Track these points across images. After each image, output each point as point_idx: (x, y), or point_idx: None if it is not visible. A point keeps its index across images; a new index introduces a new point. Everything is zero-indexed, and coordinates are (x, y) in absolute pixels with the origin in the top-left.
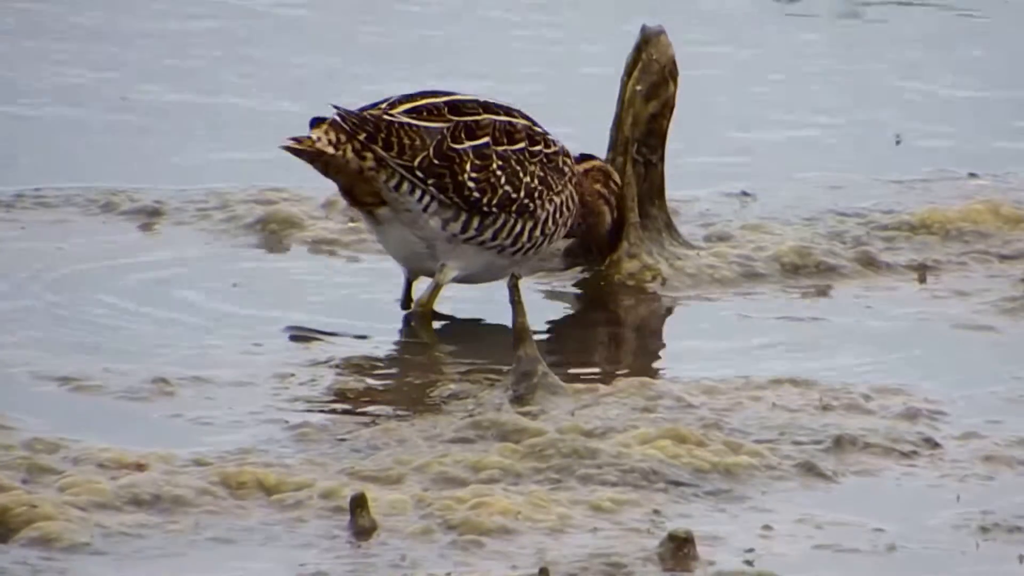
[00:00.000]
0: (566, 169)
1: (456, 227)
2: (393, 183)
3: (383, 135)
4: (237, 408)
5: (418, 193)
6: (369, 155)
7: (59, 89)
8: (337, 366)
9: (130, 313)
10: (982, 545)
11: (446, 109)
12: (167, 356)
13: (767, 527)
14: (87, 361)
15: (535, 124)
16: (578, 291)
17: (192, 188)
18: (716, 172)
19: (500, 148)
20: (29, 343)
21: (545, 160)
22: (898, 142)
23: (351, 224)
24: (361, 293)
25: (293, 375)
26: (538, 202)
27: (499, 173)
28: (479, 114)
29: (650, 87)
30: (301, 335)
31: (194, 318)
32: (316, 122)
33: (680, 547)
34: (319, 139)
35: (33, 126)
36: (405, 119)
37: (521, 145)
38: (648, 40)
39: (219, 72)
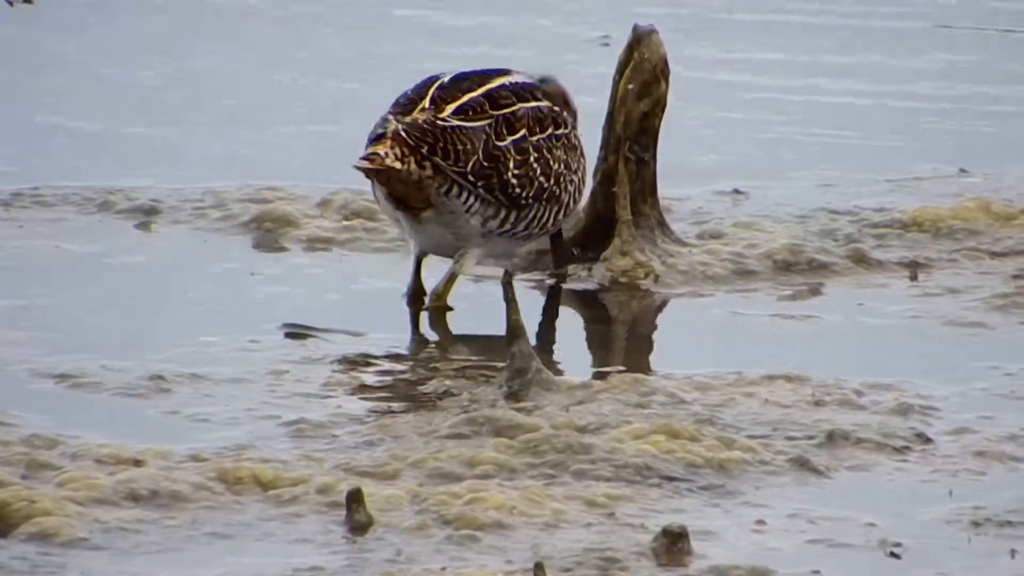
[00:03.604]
0: (577, 144)
1: (494, 224)
2: (444, 188)
3: (440, 144)
4: (233, 404)
5: (465, 195)
6: (428, 164)
7: (57, 89)
8: (332, 363)
9: (127, 311)
10: (974, 540)
11: (487, 104)
12: (164, 353)
13: (760, 522)
14: (85, 358)
15: (554, 104)
16: (571, 288)
17: (188, 187)
18: (708, 170)
19: (534, 138)
20: (27, 341)
21: (566, 141)
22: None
23: (345, 223)
24: (356, 291)
25: (289, 372)
26: (562, 186)
27: (535, 165)
28: (513, 103)
29: (642, 86)
30: (296, 332)
31: (190, 316)
32: (375, 138)
33: (674, 542)
34: (386, 155)
35: (31, 125)
36: (456, 122)
37: (549, 131)
38: (640, 39)
39: (216, 73)
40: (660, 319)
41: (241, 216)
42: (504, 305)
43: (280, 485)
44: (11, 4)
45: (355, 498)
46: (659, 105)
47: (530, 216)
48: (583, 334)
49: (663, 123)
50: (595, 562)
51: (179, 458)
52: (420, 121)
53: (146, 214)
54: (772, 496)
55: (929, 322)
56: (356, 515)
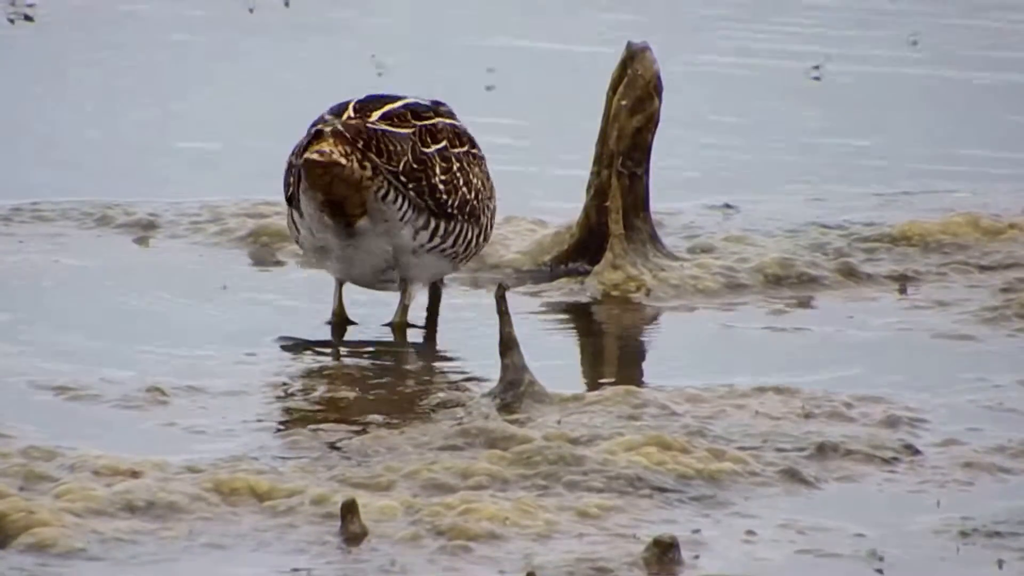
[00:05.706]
0: (488, 169)
1: (425, 236)
2: (382, 192)
3: (375, 143)
4: (230, 417)
5: (400, 200)
6: (368, 164)
7: (57, 104)
8: (328, 375)
9: (125, 324)
10: (962, 550)
11: (409, 114)
12: (161, 366)
13: (750, 532)
14: (83, 371)
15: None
16: (564, 301)
17: (186, 201)
18: (700, 185)
19: (455, 151)
20: (26, 353)
21: (481, 163)
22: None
23: None
24: (350, 304)
25: (285, 384)
26: (481, 206)
27: (458, 175)
28: (432, 118)
29: (635, 101)
30: (292, 345)
31: (188, 329)
32: (315, 137)
33: (665, 552)
34: (331, 152)
35: (30, 140)
36: (383, 126)
37: (467, 148)
38: (633, 56)
39: (210, 86)
40: (652, 332)
41: (238, 230)
42: (497, 317)
43: (275, 496)
44: (12, 21)
45: (349, 509)
46: (652, 120)
47: (456, 231)
48: (576, 347)
49: (655, 138)
50: (587, 572)
51: (175, 469)
52: (352, 122)
53: (144, 229)
54: (762, 507)
55: (918, 335)
56: (350, 526)
